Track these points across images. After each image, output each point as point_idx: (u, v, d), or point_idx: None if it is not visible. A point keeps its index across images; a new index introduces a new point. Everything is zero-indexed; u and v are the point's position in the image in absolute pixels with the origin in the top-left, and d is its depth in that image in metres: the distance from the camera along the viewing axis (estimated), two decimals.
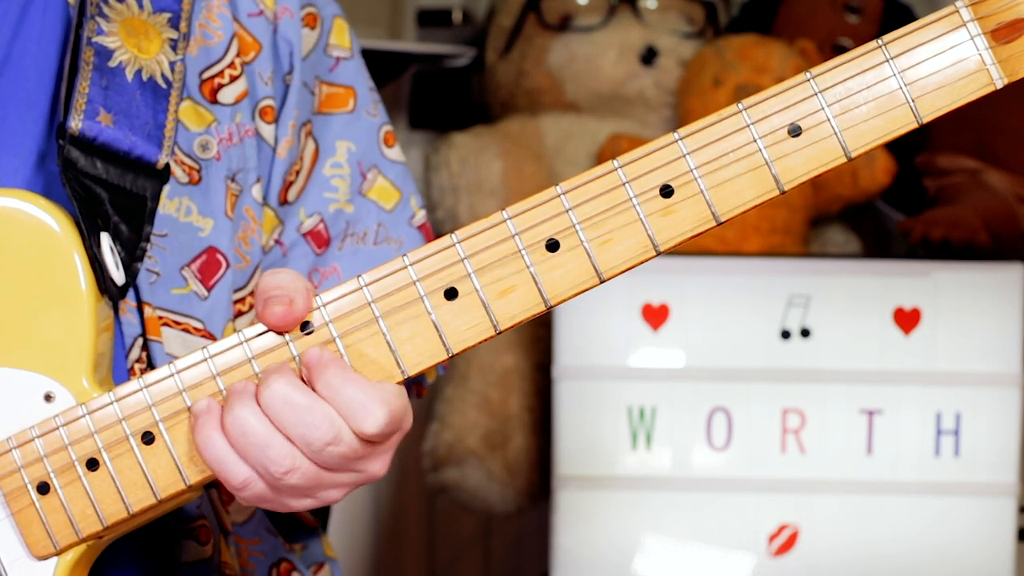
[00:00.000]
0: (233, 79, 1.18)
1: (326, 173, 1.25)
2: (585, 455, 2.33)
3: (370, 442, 0.96)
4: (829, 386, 2.31)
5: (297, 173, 1.23)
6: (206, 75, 1.17)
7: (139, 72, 1.10)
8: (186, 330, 1.13)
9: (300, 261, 1.23)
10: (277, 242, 1.23)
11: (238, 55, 1.19)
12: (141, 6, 1.13)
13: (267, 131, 1.21)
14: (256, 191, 1.20)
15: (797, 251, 2.54)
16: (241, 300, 1.19)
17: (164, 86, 1.11)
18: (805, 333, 2.30)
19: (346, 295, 0.96)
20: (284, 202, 1.23)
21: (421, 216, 1.31)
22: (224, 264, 1.17)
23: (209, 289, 1.16)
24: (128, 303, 1.10)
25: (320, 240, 1.25)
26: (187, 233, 1.14)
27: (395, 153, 1.30)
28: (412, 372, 0.96)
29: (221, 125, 1.17)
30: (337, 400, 0.94)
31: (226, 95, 1.18)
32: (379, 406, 0.94)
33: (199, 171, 1.15)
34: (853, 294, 2.31)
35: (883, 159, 2.52)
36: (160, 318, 1.12)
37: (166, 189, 1.13)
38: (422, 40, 2.97)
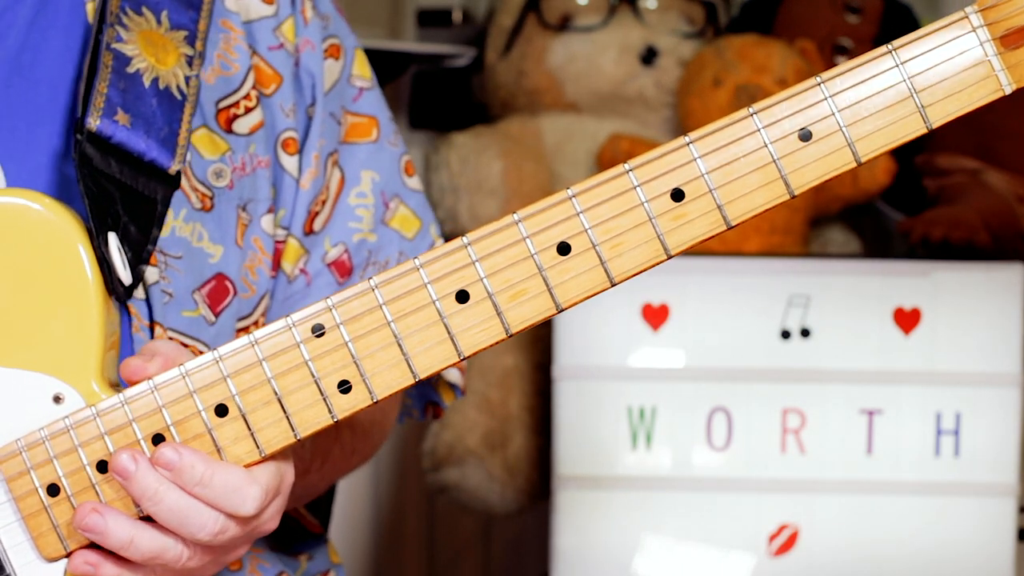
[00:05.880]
0: (248, 110, 1.20)
1: (351, 203, 1.27)
2: (585, 455, 2.32)
3: (252, 517, 0.99)
4: (829, 386, 2.31)
5: (323, 203, 1.25)
6: (222, 104, 1.18)
7: (156, 80, 1.11)
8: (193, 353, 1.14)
9: (324, 290, 1.24)
10: (302, 271, 1.24)
11: (254, 87, 1.20)
12: (159, 21, 1.14)
13: (290, 163, 1.22)
14: (266, 222, 1.21)
15: (797, 251, 2.53)
16: (245, 329, 1.20)
17: (179, 97, 1.12)
18: (805, 333, 2.30)
19: (357, 297, 0.96)
20: (310, 232, 1.24)
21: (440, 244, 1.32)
22: (232, 291, 1.18)
23: (217, 315, 1.17)
24: (142, 321, 1.11)
25: (343, 270, 1.26)
26: (199, 258, 1.15)
27: (415, 182, 1.32)
28: (423, 375, 0.96)
29: (235, 154, 1.18)
30: (210, 493, 0.96)
31: (241, 125, 1.19)
32: (251, 486, 0.97)
33: (211, 198, 1.16)
34: (853, 294, 2.31)
35: (883, 159, 2.52)
36: (171, 339, 1.13)
37: (183, 212, 1.14)
38: (422, 40, 2.96)
